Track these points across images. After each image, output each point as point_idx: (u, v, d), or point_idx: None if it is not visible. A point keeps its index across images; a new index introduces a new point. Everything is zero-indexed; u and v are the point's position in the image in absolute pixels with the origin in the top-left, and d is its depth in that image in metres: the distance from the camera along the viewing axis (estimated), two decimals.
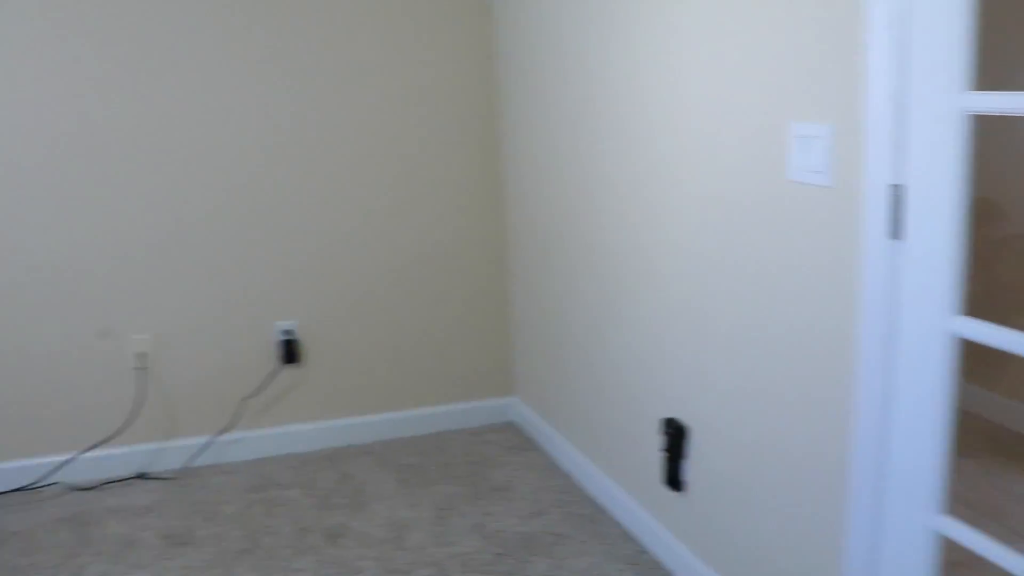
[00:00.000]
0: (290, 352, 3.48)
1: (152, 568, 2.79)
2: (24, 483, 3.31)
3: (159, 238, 3.29)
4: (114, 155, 3.19)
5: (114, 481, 3.37)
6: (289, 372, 3.53)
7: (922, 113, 1.57)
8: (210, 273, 3.37)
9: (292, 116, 3.34)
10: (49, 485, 3.34)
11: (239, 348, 3.46)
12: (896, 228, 1.65)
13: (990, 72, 3.25)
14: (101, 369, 3.33)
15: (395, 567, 2.75)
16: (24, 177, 3.14)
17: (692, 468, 2.49)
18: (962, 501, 2.97)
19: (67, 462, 3.34)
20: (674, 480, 2.55)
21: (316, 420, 3.61)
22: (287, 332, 3.48)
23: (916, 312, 1.64)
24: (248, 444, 3.53)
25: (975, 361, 3.59)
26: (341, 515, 3.08)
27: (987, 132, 3.40)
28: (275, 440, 3.56)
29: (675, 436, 2.51)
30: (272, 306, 3.46)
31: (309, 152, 3.39)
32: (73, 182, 3.18)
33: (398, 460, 3.50)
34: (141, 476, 3.40)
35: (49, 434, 3.33)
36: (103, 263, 3.26)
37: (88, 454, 3.36)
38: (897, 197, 1.63)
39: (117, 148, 3.19)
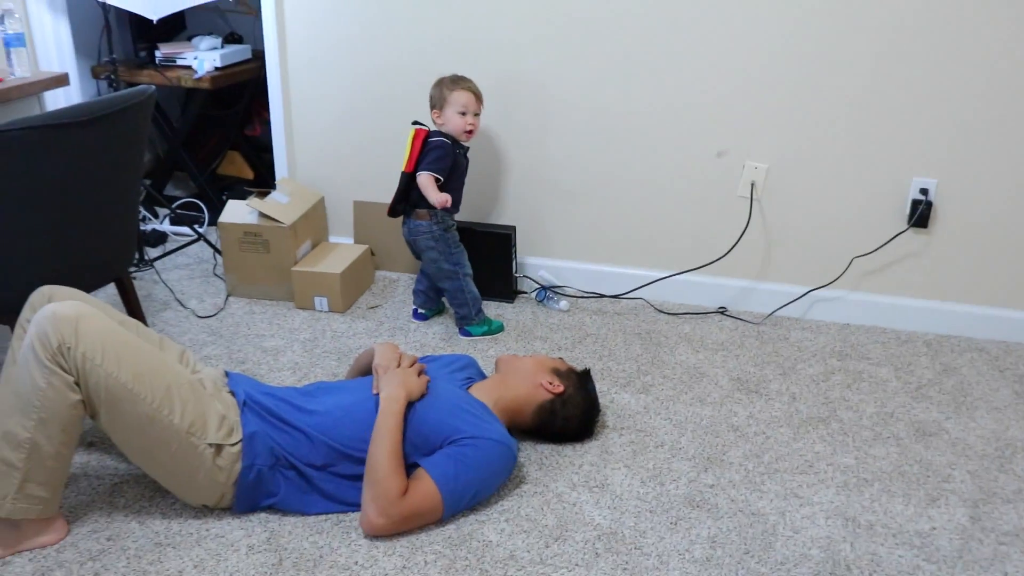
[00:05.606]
0: (921, 215, 2.95)
1: (717, 407, 2.60)
2: (609, 292, 3.34)
3: (789, 67, 2.93)
4: None
5: (694, 313, 3.24)
6: (914, 237, 3.02)
7: None
8: (841, 111, 2.94)
9: None
10: (631, 298, 3.33)
11: (860, 199, 3.02)
12: None
13: None
14: (710, 193, 3.15)
15: (995, 488, 2.22)
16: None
17: None
18: None
19: (655, 280, 3.27)
20: None
21: (927, 298, 3.08)
22: (923, 192, 2.94)
23: None
24: (842, 306, 3.14)
25: None
26: (936, 412, 2.58)
27: None
28: (872, 309, 3.12)
29: None
30: (910, 160, 2.94)
31: None
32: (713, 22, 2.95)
33: (1019, 368, 2.85)
34: (722, 311, 3.23)
35: (645, 249, 3.29)
36: (729, 86, 3.02)
37: (679, 277, 3.26)
38: None
39: None
